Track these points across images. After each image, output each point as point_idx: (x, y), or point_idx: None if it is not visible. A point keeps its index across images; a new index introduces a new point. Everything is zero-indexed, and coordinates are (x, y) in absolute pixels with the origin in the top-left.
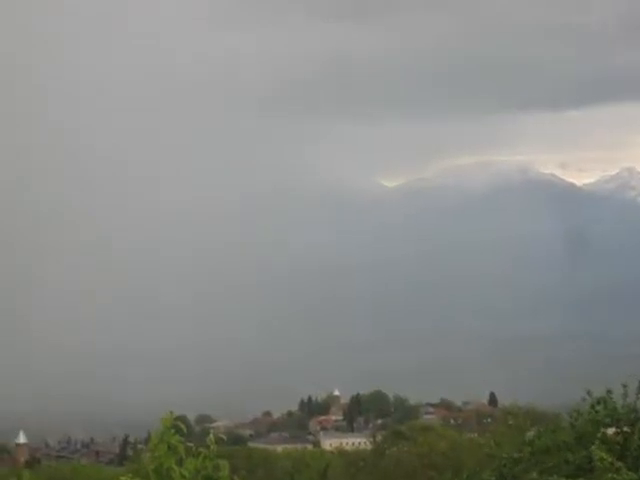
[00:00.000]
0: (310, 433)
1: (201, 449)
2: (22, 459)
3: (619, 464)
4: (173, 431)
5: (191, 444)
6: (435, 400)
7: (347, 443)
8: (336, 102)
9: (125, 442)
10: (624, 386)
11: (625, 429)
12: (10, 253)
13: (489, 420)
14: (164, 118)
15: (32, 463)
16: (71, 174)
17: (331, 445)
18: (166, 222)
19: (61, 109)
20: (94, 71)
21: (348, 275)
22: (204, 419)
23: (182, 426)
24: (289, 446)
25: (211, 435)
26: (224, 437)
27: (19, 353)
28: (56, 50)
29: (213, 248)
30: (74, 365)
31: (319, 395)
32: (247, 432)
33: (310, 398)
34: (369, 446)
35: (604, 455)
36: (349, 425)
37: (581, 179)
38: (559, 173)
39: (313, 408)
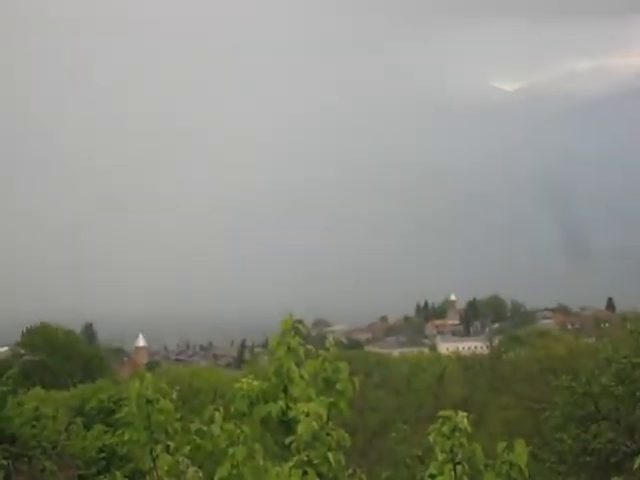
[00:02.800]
0: (426, 337)
1: (321, 351)
2: (141, 362)
3: None
4: (293, 333)
5: (310, 346)
6: (552, 305)
7: (463, 347)
8: (449, 5)
9: (243, 345)
10: None
11: None
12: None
13: (606, 325)
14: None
15: (151, 366)
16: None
17: (447, 349)
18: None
19: None
20: None
21: (466, 182)
22: (321, 323)
23: (302, 328)
24: (405, 350)
25: (331, 337)
26: (344, 340)
27: (137, 258)
28: None
29: (329, 158)
30: (193, 270)
31: (435, 300)
32: (364, 336)
33: (426, 303)
34: (485, 350)
35: None
36: (465, 329)
37: None
38: None
39: (429, 313)
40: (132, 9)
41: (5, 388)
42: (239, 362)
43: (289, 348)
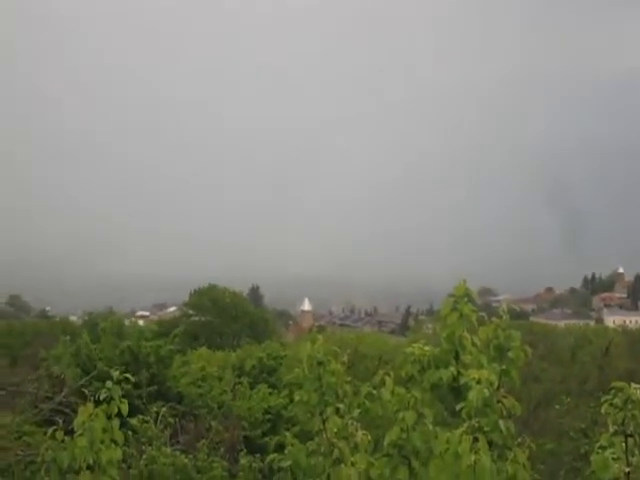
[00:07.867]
0: (593, 310)
1: (493, 319)
2: (307, 325)
3: None
4: (466, 300)
5: (482, 313)
6: None
7: (630, 321)
8: None
9: (407, 312)
10: None
11: None
12: None
13: None
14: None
15: (317, 330)
16: None
17: (614, 322)
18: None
19: None
20: None
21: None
22: (486, 292)
23: (474, 295)
24: (571, 322)
25: (504, 305)
26: (516, 307)
27: (305, 224)
28: None
29: (489, 126)
30: (360, 235)
31: (603, 272)
32: (529, 307)
33: (594, 275)
34: None
35: None
36: (633, 303)
37: None
38: None
39: (597, 285)
40: None
41: (172, 347)
42: (403, 329)
43: (461, 315)
